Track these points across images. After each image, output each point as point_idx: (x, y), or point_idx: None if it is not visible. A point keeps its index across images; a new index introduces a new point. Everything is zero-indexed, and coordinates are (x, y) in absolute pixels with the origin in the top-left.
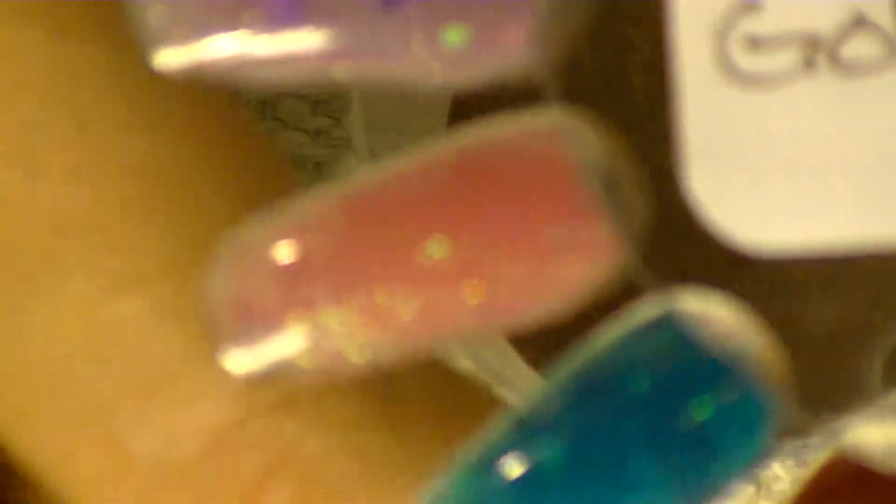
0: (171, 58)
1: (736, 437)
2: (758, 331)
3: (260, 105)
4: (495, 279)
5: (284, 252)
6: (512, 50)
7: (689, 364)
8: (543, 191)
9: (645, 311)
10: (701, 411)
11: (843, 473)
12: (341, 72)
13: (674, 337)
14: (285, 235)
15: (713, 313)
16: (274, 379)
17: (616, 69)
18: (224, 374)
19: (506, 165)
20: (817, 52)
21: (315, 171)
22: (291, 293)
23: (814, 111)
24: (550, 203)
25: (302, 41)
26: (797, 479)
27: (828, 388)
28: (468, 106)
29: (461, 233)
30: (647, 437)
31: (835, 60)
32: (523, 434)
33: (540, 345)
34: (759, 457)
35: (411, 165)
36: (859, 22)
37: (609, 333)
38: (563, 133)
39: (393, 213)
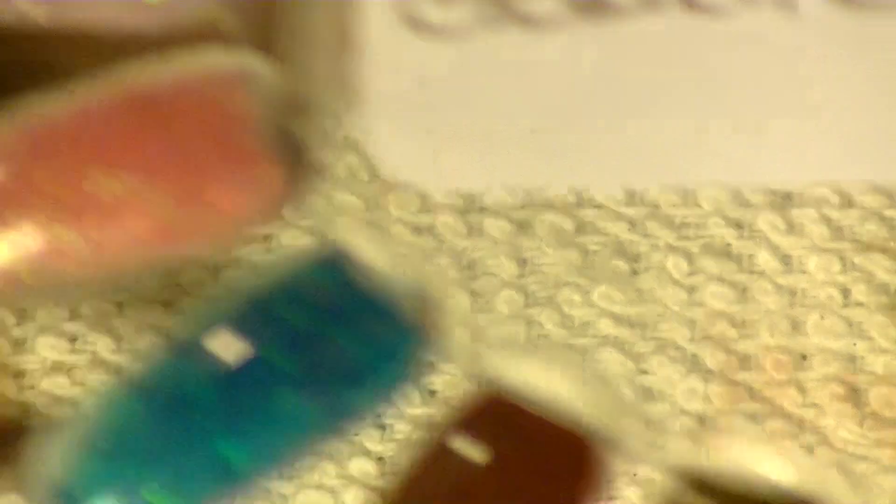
0: None
1: (381, 368)
2: (410, 268)
3: None
4: (162, 213)
5: None
6: None
7: (340, 297)
8: (214, 131)
9: (304, 246)
10: (347, 343)
11: (488, 406)
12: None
13: (328, 271)
14: None
15: (368, 250)
16: None
17: (301, 15)
18: None
19: (178, 104)
20: (499, 5)
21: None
22: None
23: (495, 64)
24: (220, 143)
25: None
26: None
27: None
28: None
29: (131, 169)
30: (296, 367)
31: (516, 14)
32: (176, 360)
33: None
34: (403, 387)
35: (90, 99)
36: None
37: (269, 266)
38: (239, 75)
39: (67, 146)
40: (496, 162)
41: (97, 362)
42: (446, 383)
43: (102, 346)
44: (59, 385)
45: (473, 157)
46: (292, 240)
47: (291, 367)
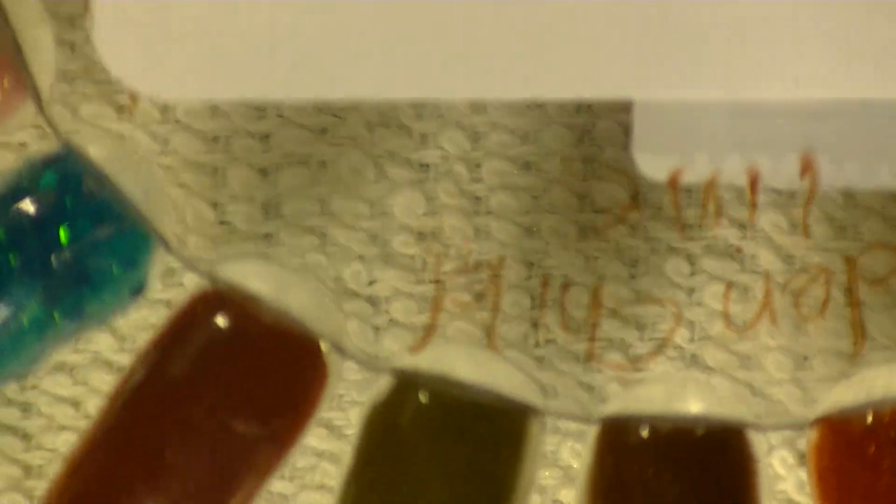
0: None
1: (116, 271)
2: (143, 168)
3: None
4: None
5: None
6: None
7: (74, 198)
8: None
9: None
10: (78, 244)
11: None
12: None
13: (63, 171)
14: None
15: (103, 156)
16: None
17: None
18: None
19: None
20: None
21: (319, 169)
22: None
23: None
24: None
25: None
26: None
27: None
28: None
29: None
30: (28, 268)
31: None
32: None
33: None
34: (139, 290)
35: None
36: None
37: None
38: None
39: None
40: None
41: (99, 362)
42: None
43: (105, 345)
44: (60, 384)
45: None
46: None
47: (23, 263)
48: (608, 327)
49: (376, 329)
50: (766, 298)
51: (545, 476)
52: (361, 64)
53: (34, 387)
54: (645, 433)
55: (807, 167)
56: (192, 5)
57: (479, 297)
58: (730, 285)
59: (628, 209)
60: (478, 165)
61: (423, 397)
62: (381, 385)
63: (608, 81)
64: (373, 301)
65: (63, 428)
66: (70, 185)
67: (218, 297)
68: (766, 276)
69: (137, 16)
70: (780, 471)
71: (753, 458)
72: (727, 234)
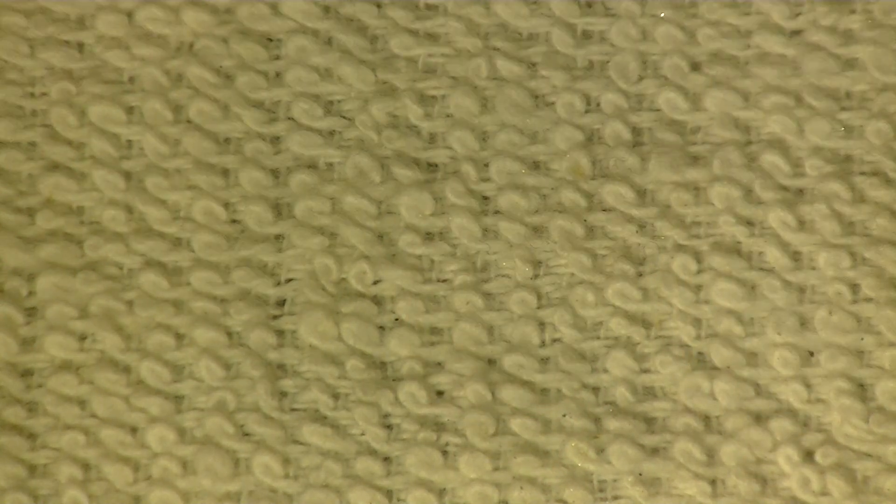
0: None
1: None
2: None
3: (274, 104)
4: None
5: None
6: None
7: None
8: None
9: None
10: None
11: None
12: None
13: None
14: None
15: None
16: None
17: None
18: None
19: None
20: None
21: (328, 171)
22: None
23: None
24: None
25: None
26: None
27: None
28: None
29: None
30: None
31: None
32: None
33: None
34: None
35: None
36: None
37: None
38: None
39: None
40: None
41: (105, 361)
42: None
43: (111, 344)
44: (66, 384)
45: None
46: None
47: None
48: None
49: None
50: None
51: (548, 475)
52: None
53: (40, 386)
54: None
55: None
56: None
57: None
58: None
59: None
60: (486, 165)
61: None
62: None
63: None
64: None
65: (69, 427)
66: None
67: None
68: None
69: None
70: (786, 468)
71: None
72: None
